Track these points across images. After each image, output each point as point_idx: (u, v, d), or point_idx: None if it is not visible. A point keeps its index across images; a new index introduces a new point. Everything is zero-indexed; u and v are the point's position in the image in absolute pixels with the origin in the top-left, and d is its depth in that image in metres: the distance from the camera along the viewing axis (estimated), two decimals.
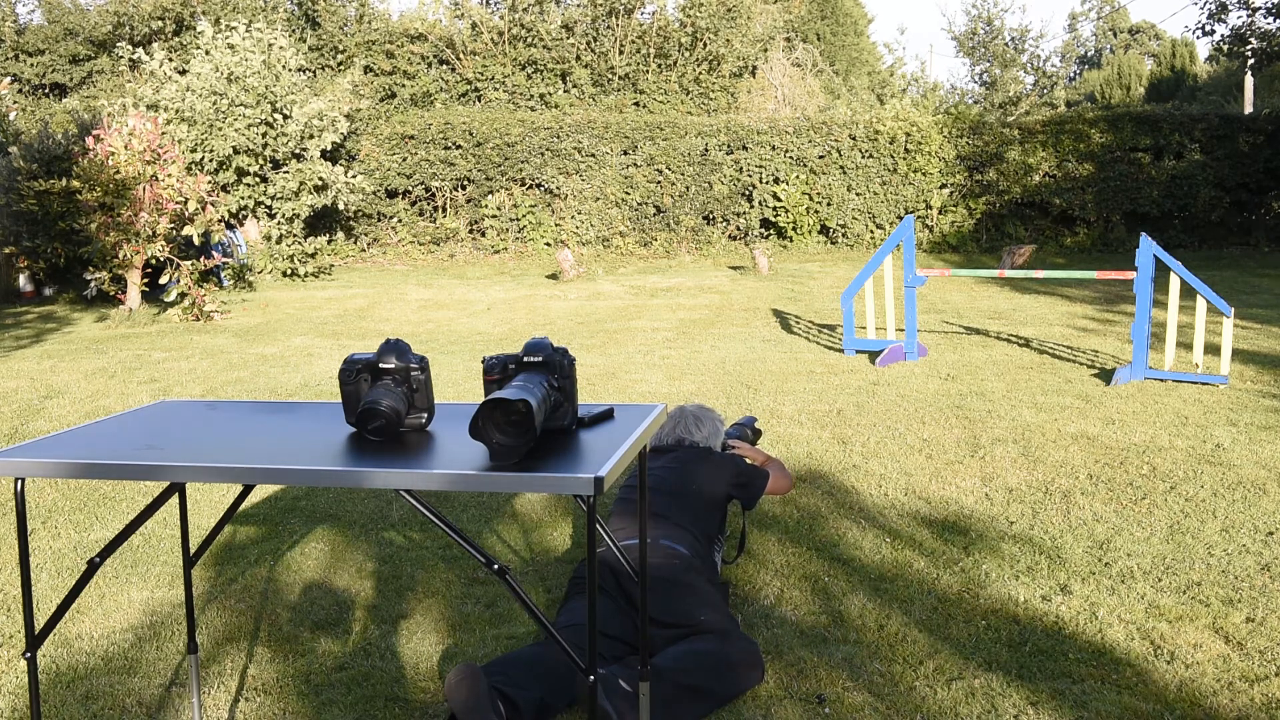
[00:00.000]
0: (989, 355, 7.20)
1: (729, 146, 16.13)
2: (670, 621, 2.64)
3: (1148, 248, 6.18)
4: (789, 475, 3.49)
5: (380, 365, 1.90)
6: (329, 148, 14.42)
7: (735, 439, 3.62)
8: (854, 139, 15.88)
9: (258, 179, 13.79)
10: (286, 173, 13.85)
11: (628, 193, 16.19)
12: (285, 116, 13.74)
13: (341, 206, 14.66)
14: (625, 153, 16.20)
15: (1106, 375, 6.41)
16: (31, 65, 17.92)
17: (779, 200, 15.99)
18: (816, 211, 16.01)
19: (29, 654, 1.90)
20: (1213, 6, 18.39)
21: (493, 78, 17.88)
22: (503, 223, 16.34)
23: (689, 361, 7.19)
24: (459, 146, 16.17)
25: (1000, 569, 3.35)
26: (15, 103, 15.20)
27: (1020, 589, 3.19)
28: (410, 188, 16.37)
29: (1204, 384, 6.00)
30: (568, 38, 17.92)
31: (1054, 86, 24.80)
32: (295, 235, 14.21)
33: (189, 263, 10.35)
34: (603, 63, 18.08)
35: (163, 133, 11.36)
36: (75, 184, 10.26)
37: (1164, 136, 15.39)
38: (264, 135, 13.52)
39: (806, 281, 12.42)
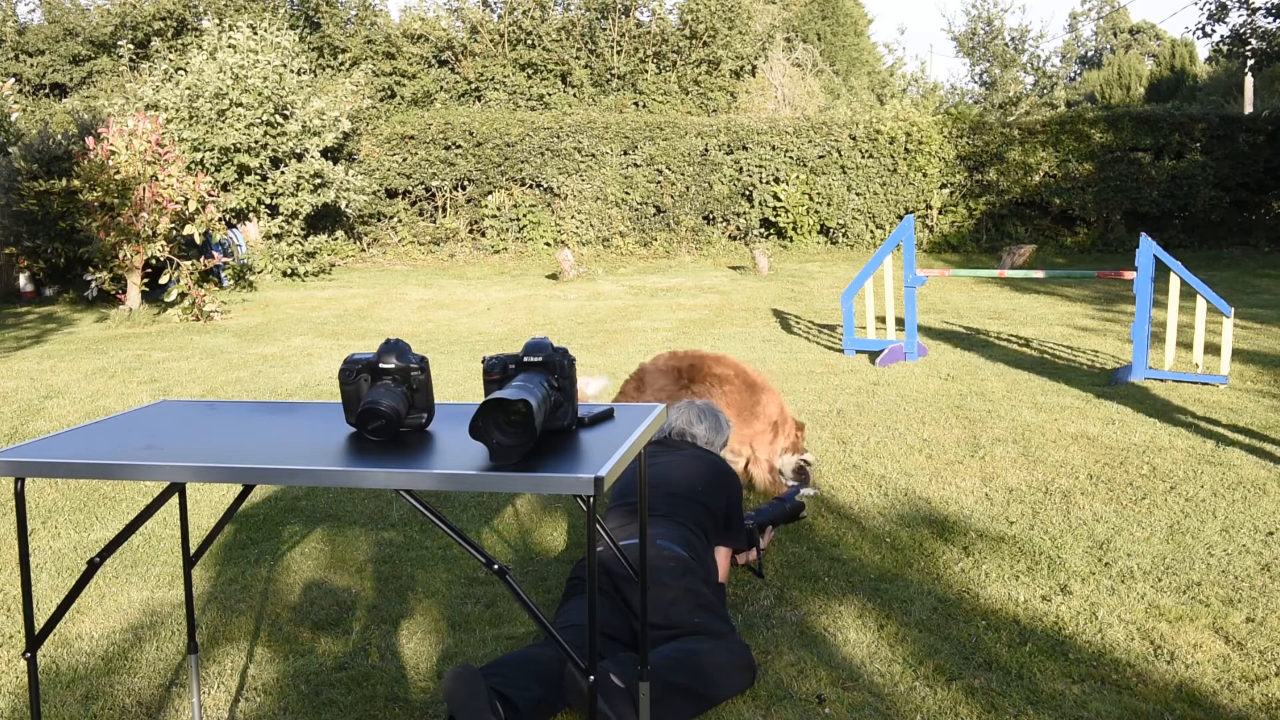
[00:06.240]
0: (989, 355, 7.20)
1: (729, 146, 16.14)
2: (664, 624, 2.64)
3: (1148, 248, 6.17)
4: (726, 572, 3.17)
5: (380, 365, 1.90)
6: (331, 146, 14.43)
7: (759, 521, 3.43)
8: (854, 139, 15.89)
9: (259, 177, 13.80)
10: (285, 170, 13.85)
11: (628, 193, 16.19)
12: (286, 116, 13.75)
13: (344, 206, 14.67)
14: (625, 153, 16.20)
15: (1106, 375, 6.41)
16: (32, 65, 17.92)
17: (779, 200, 15.99)
18: (816, 211, 16.02)
19: (29, 654, 1.90)
20: (1212, 7, 18.40)
21: (493, 78, 17.88)
22: (503, 223, 16.35)
23: None
24: (459, 146, 16.18)
25: (1000, 569, 3.35)
26: (16, 103, 15.19)
27: (1020, 589, 3.19)
28: (410, 188, 16.38)
29: (1204, 384, 6.00)
30: (567, 39, 17.93)
31: (1054, 86, 24.82)
32: (295, 234, 14.22)
33: (189, 263, 10.35)
34: (602, 63, 18.09)
35: (163, 132, 11.36)
36: (76, 184, 10.26)
37: (1164, 136, 15.39)
38: (264, 134, 13.52)
39: (806, 281, 12.42)
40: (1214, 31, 18.71)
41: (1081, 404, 5.63)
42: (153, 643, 2.95)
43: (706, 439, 3.44)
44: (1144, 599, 3.09)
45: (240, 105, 13.33)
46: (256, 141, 13.45)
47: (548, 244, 16.08)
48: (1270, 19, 17.85)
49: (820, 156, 15.97)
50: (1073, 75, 35.85)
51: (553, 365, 1.85)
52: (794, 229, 16.01)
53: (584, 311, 10.21)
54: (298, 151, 13.93)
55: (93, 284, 10.75)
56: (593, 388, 4.31)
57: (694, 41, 18.13)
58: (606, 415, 2.01)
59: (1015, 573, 3.31)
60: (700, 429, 3.44)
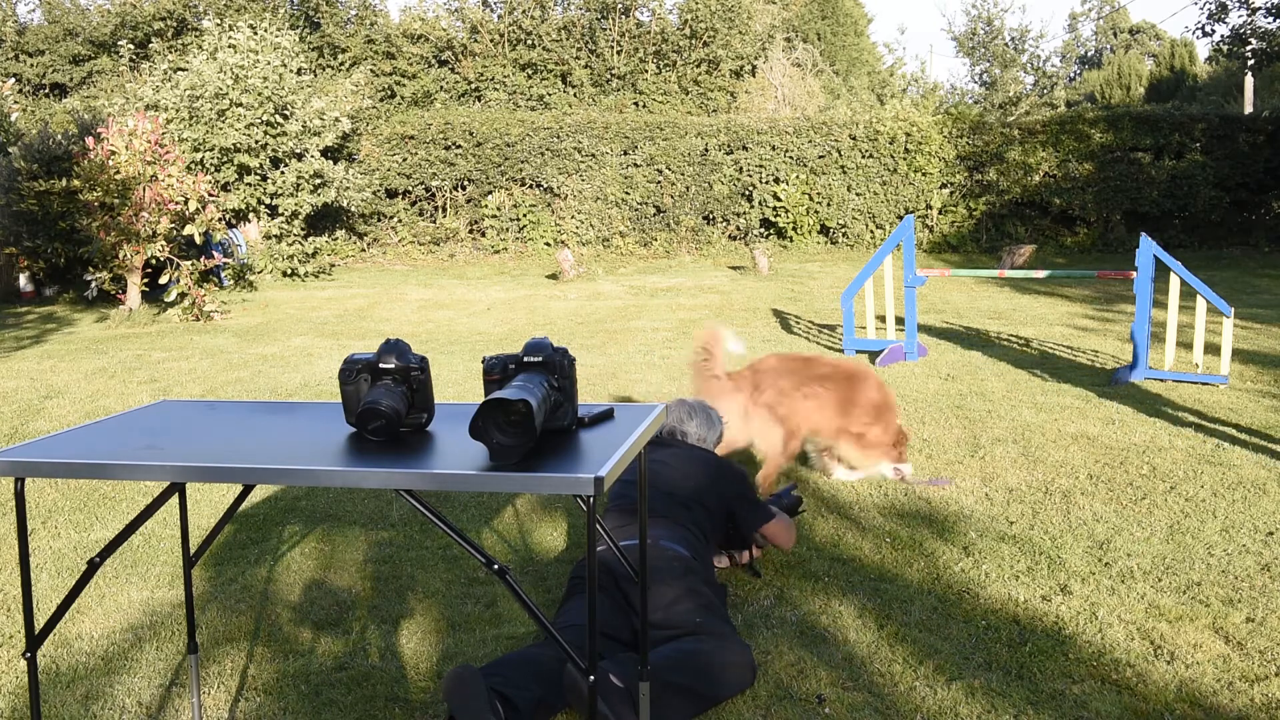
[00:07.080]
0: (989, 355, 7.20)
1: (729, 146, 16.14)
2: (664, 624, 2.64)
3: (1148, 248, 6.18)
4: (791, 533, 3.39)
5: (380, 365, 1.90)
6: (331, 146, 14.42)
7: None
8: (854, 139, 15.89)
9: (259, 177, 13.80)
10: (285, 170, 13.85)
11: (628, 193, 16.19)
12: (286, 117, 13.76)
13: (346, 204, 14.68)
14: (625, 153, 16.20)
15: (1106, 375, 6.41)
16: (32, 65, 17.92)
17: (779, 200, 15.99)
18: (816, 211, 16.01)
19: (29, 654, 1.90)
20: (1212, 7, 18.40)
21: (493, 78, 17.89)
22: (503, 223, 16.35)
23: (689, 361, 7.18)
24: (459, 146, 16.18)
25: (1000, 569, 3.35)
26: (16, 103, 15.19)
27: (1020, 589, 3.19)
28: (410, 188, 16.38)
29: (1204, 384, 6.00)
30: (567, 39, 17.94)
31: (1054, 86, 24.81)
32: (295, 234, 14.22)
33: (189, 263, 10.35)
34: (602, 63, 18.09)
35: (163, 132, 11.36)
36: (76, 184, 10.26)
37: (1164, 136, 15.39)
38: (264, 134, 13.52)
39: (806, 281, 12.42)
40: (1214, 31, 18.73)
41: (1081, 404, 5.63)
42: (153, 643, 2.95)
43: (698, 435, 3.45)
44: (1144, 599, 3.09)
45: (240, 105, 13.33)
46: (256, 141, 13.45)
47: (548, 244, 16.08)
48: (1270, 19, 17.86)
49: (820, 156, 15.97)
50: (1073, 75, 35.85)
51: (553, 365, 1.85)
52: (794, 229, 16.01)
53: (584, 311, 10.21)
54: (298, 151, 13.93)
55: (93, 284, 10.75)
56: (734, 345, 4.54)
57: (694, 41, 18.13)
58: (606, 415, 2.01)
59: (1015, 573, 3.31)
60: (691, 426, 3.45)
